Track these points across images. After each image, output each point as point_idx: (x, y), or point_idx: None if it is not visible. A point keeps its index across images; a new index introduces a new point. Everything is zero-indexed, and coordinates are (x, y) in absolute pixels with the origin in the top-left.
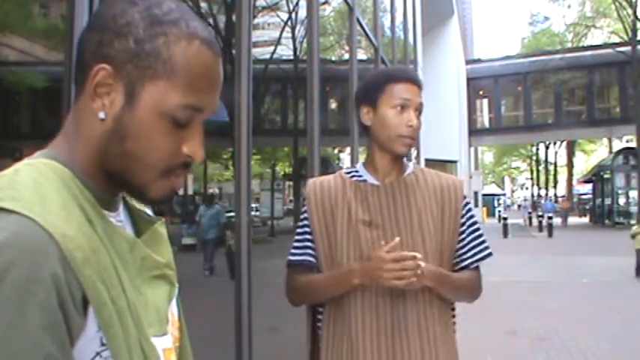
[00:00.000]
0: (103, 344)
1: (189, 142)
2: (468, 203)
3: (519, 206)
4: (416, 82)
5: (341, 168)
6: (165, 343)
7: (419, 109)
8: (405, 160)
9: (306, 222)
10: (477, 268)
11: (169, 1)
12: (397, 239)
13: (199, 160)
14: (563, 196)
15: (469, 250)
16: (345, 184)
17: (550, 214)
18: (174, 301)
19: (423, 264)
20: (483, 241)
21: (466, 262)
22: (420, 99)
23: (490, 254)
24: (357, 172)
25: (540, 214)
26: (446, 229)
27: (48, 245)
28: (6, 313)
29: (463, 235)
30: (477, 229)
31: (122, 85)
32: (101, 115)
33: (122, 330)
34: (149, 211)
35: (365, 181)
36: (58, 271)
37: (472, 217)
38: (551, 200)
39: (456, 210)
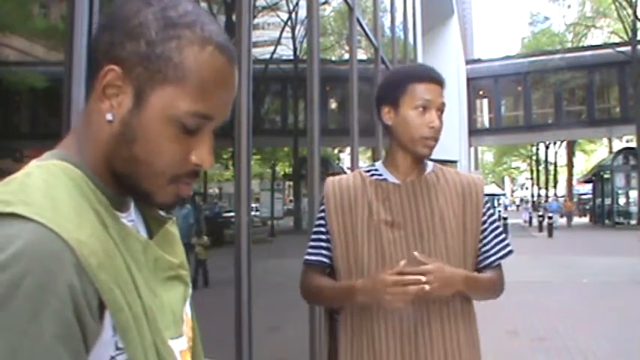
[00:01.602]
0: (117, 348)
1: (198, 150)
2: (487, 202)
3: (518, 207)
4: (439, 82)
5: (341, 168)
6: (181, 345)
7: (441, 109)
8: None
9: (322, 222)
10: (499, 265)
11: (187, 3)
12: (402, 262)
13: (208, 168)
14: (563, 197)
15: (492, 248)
16: (364, 182)
17: (550, 214)
18: (188, 301)
19: (427, 287)
20: (504, 239)
21: (489, 260)
22: (442, 99)
23: (511, 251)
24: (376, 170)
25: (540, 214)
26: (468, 228)
27: (63, 252)
28: (20, 322)
29: (485, 233)
30: (498, 227)
31: (131, 88)
32: (109, 116)
33: (138, 334)
34: (160, 211)
35: (385, 180)
36: (73, 280)
37: (492, 215)
38: (556, 200)
39: (477, 208)
